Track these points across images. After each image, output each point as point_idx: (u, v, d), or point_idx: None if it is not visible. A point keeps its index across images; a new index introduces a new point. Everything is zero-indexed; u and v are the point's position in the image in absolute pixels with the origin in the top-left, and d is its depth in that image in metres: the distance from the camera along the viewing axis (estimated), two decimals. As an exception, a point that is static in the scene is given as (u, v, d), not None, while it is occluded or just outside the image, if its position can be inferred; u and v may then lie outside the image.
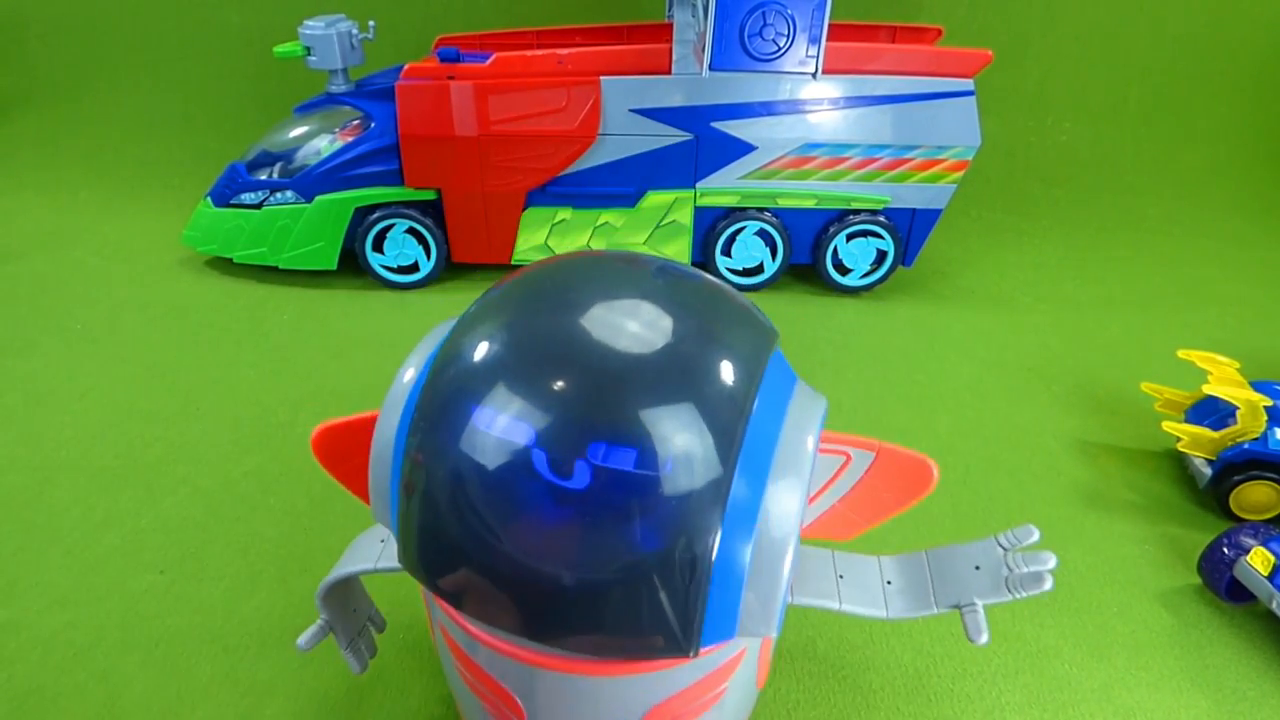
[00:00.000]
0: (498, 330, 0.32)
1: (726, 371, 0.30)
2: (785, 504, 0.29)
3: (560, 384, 0.29)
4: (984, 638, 0.34)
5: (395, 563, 0.35)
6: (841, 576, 0.37)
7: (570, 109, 0.87)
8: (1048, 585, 0.34)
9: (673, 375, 0.29)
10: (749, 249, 0.94)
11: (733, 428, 0.29)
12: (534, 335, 0.31)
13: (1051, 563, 0.35)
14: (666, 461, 0.28)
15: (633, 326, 0.30)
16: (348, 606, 0.42)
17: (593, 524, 0.28)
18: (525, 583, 0.29)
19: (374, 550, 0.39)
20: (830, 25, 0.78)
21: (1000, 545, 0.36)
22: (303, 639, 0.39)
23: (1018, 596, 0.34)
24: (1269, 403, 0.59)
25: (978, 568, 0.36)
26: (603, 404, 0.29)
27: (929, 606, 0.36)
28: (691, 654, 0.29)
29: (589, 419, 0.28)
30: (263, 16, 1.34)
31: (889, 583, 0.37)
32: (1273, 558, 0.50)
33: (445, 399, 0.30)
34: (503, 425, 0.29)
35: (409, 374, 0.33)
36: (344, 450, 0.37)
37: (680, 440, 0.28)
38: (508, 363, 0.30)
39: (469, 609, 0.31)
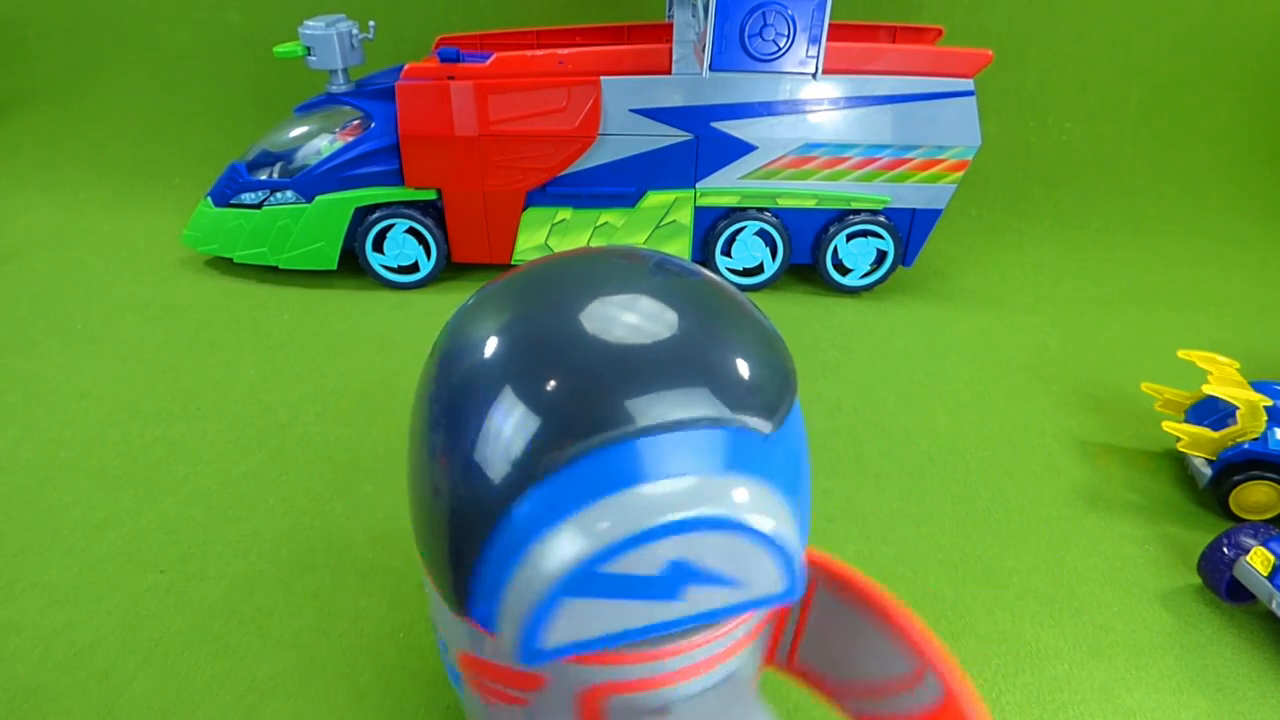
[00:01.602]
0: (497, 333, 0.31)
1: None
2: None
3: (561, 382, 0.28)
4: None
5: None
6: None
7: (570, 109, 0.87)
8: None
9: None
10: (749, 249, 0.94)
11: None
12: (532, 337, 0.30)
13: None
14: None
15: (628, 328, 0.30)
16: None
17: None
18: None
19: None
20: (830, 25, 0.78)
21: None
22: None
23: None
24: (1269, 403, 0.59)
25: None
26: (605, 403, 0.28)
27: None
28: None
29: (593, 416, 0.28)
30: (263, 16, 1.33)
31: None
32: (1273, 558, 0.50)
33: (450, 396, 0.30)
34: (502, 422, 0.28)
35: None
36: None
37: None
38: (511, 365, 0.29)
39: None
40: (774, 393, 0.30)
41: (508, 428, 0.28)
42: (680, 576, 0.27)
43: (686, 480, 0.27)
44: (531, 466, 0.27)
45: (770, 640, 0.37)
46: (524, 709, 0.34)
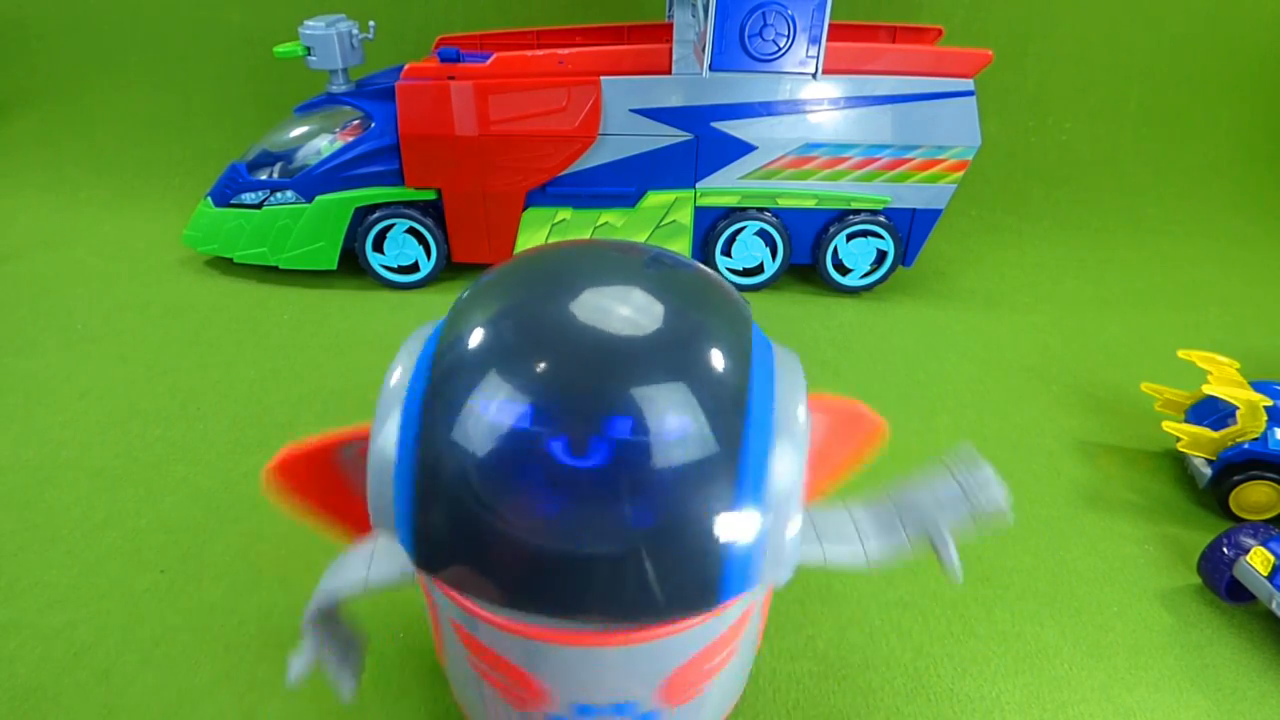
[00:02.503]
0: (505, 314, 0.33)
1: (726, 346, 0.33)
2: (789, 463, 0.32)
3: (571, 364, 0.31)
4: (958, 569, 0.36)
5: (389, 575, 0.34)
6: (820, 530, 0.38)
7: (570, 109, 0.87)
8: (1008, 516, 0.35)
9: (680, 352, 0.32)
10: (749, 249, 0.94)
11: (740, 395, 0.32)
12: (539, 318, 0.32)
13: (1002, 492, 0.36)
14: (679, 430, 0.29)
15: (630, 310, 0.32)
16: (334, 626, 0.39)
17: (614, 497, 0.29)
18: (555, 561, 0.30)
19: (360, 568, 0.35)
20: (830, 25, 0.78)
21: (956, 480, 0.38)
22: (293, 672, 0.36)
23: (980, 523, 0.36)
24: (1269, 403, 0.59)
25: (940, 502, 0.37)
26: (615, 381, 0.30)
27: (900, 539, 0.37)
28: (716, 608, 0.31)
29: (605, 396, 0.30)
30: (263, 16, 1.33)
31: (861, 530, 0.38)
32: (1273, 558, 0.50)
33: (458, 385, 0.31)
34: (516, 408, 0.30)
35: (396, 376, 0.34)
36: (309, 476, 0.36)
37: (692, 408, 0.30)
38: (519, 346, 0.31)
39: (496, 595, 0.31)
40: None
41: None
42: None
43: None
44: (730, 450, 0.30)
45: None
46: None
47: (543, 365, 0.31)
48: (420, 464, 0.31)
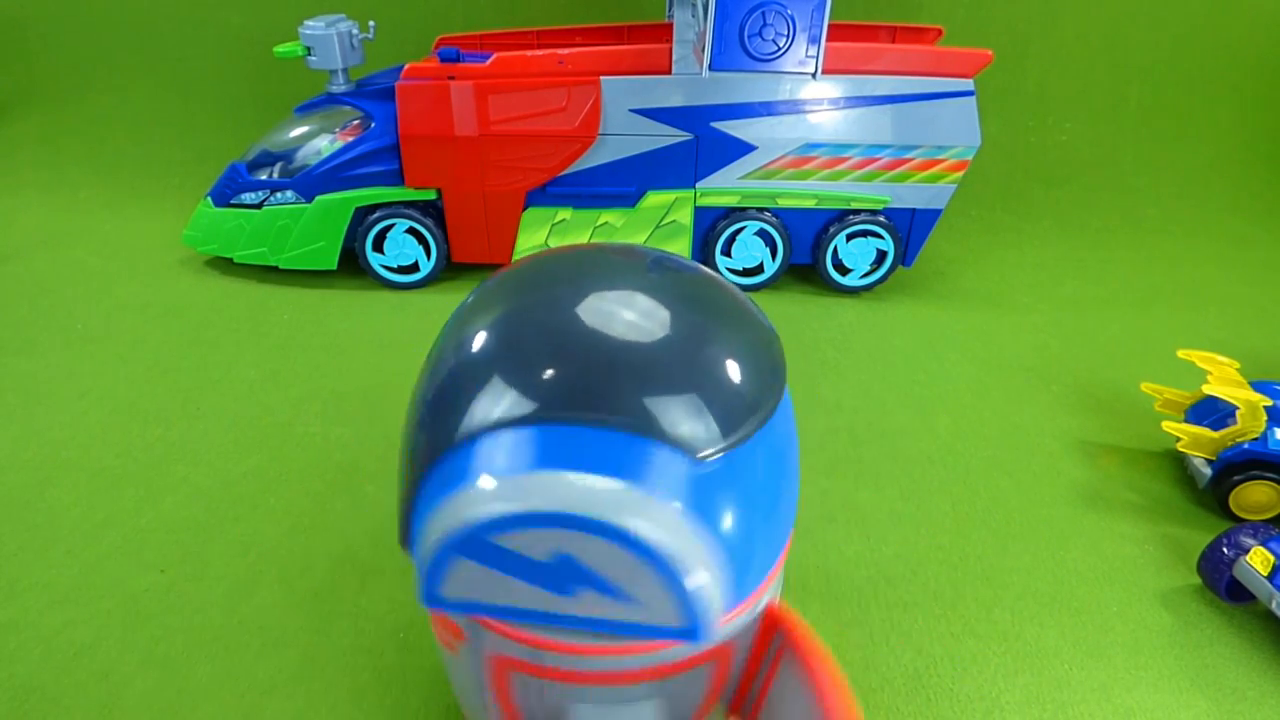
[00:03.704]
0: (519, 319, 0.32)
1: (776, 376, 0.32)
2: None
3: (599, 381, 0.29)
4: None
5: None
6: None
7: (570, 109, 0.87)
8: None
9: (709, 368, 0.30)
10: (749, 249, 0.94)
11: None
12: (549, 336, 0.31)
13: None
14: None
15: (647, 322, 0.31)
16: None
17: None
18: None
19: None
20: (830, 25, 0.78)
21: None
22: None
23: None
24: (1269, 403, 0.59)
25: None
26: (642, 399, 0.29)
27: None
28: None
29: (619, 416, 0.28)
30: (263, 16, 1.33)
31: None
32: (1273, 558, 0.50)
33: (455, 390, 0.31)
34: (522, 427, 0.28)
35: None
36: None
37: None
38: (531, 357, 0.30)
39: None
40: (720, 424, 0.29)
41: (469, 385, 0.30)
42: (568, 572, 0.28)
43: (594, 480, 0.27)
44: (471, 423, 0.29)
45: (738, 691, 0.36)
46: (453, 656, 0.35)
47: (498, 356, 0.30)
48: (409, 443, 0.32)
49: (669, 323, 0.31)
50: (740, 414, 0.30)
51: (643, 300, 0.31)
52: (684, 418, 0.28)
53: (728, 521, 0.29)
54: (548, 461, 0.27)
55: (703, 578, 0.28)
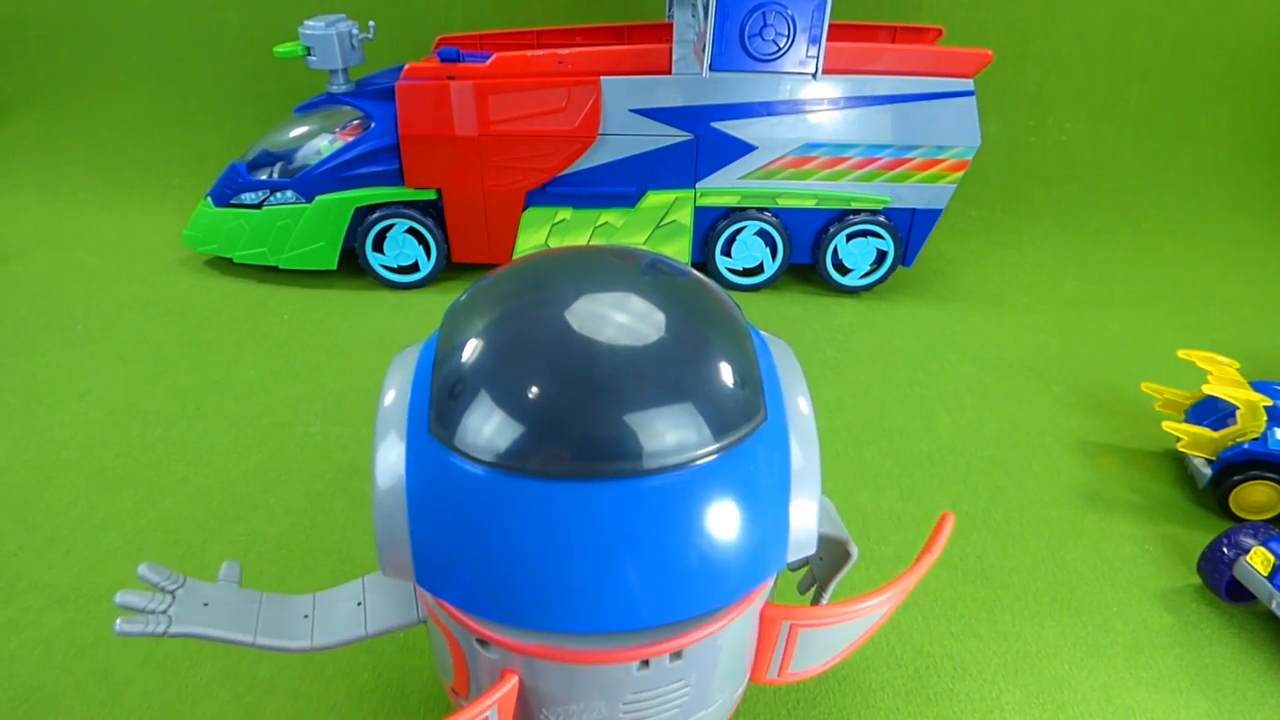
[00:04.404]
0: (507, 329, 0.33)
1: (738, 350, 0.34)
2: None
3: (584, 384, 0.30)
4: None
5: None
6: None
7: (570, 109, 0.87)
8: None
9: (693, 366, 0.32)
10: (749, 249, 0.94)
11: (757, 399, 0.33)
12: (545, 333, 0.32)
13: None
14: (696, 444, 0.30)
15: (634, 320, 0.32)
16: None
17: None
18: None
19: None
20: (830, 25, 0.78)
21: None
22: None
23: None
24: (1269, 403, 0.59)
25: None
26: (637, 397, 0.30)
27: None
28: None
29: (627, 412, 0.30)
30: (263, 16, 1.33)
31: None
32: (1273, 558, 0.50)
33: (466, 401, 0.31)
34: (530, 427, 0.30)
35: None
36: None
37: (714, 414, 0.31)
38: (527, 362, 0.31)
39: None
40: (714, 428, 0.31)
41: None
42: None
43: None
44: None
45: (754, 663, 0.37)
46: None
47: (553, 385, 0.30)
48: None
49: (661, 346, 0.32)
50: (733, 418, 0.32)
51: (631, 321, 0.32)
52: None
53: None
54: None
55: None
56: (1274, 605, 0.49)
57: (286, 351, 0.81)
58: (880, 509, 0.62)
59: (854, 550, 0.41)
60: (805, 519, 0.33)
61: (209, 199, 0.94)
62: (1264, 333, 0.90)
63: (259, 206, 0.92)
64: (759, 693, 0.47)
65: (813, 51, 0.79)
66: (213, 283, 0.95)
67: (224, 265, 0.98)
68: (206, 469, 0.64)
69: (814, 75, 0.81)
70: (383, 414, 0.33)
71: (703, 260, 0.96)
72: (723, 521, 0.30)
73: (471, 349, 0.32)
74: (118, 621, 0.33)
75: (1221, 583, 0.52)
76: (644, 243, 0.94)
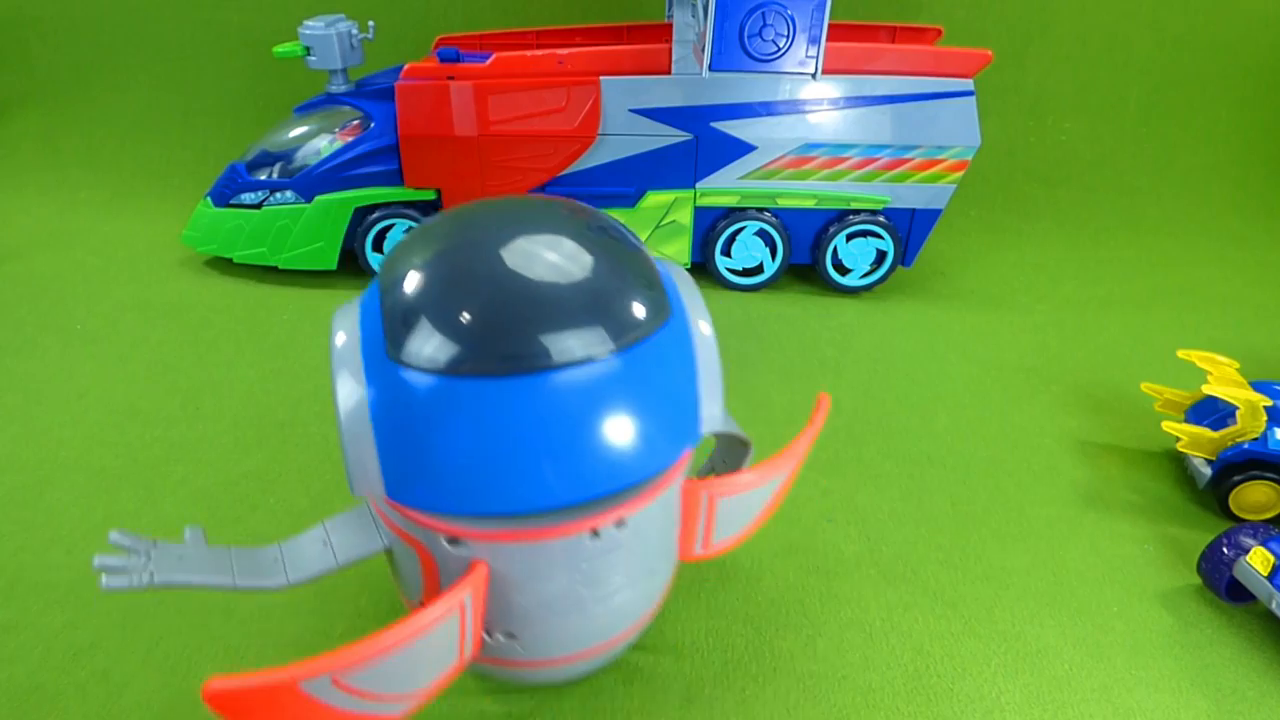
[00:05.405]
0: (446, 262, 0.38)
1: (647, 267, 0.40)
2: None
3: (516, 300, 0.36)
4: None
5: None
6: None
7: (570, 109, 0.87)
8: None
9: (608, 280, 0.38)
10: (749, 249, 0.94)
11: (664, 302, 0.39)
12: (480, 262, 0.37)
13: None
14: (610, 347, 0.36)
15: (560, 254, 0.38)
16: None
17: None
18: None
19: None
20: (830, 25, 0.78)
21: None
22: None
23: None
24: (1269, 403, 0.59)
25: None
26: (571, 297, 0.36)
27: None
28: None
29: (560, 318, 0.35)
30: (263, 16, 1.33)
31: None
32: (1273, 558, 0.50)
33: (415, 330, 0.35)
34: (472, 341, 0.35)
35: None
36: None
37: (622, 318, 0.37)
38: (467, 285, 0.36)
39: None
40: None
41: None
42: None
43: None
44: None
45: (681, 537, 0.43)
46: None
47: (489, 302, 0.35)
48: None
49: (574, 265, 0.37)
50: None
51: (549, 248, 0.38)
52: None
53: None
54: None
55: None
56: (1274, 605, 0.49)
57: (286, 351, 0.81)
58: (880, 509, 0.62)
59: (749, 442, 0.47)
60: (712, 406, 0.40)
61: (209, 199, 0.94)
62: (1264, 333, 0.90)
63: (259, 206, 0.92)
64: (758, 692, 0.47)
65: (812, 51, 0.79)
66: (213, 283, 0.95)
67: (224, 265, 0.98)
68: (206, 469, 0.64)
69: (814, 75, 0.81)
70: (337, 353, 0.37)
71: (702, 260, 0.96)
72: (641, 403, 0.36)
73: (414, 282, 0.37)
74: (103, 578, 0.36)
75: (1221, 583, 0.52)
76: (643, 243, 0.94)
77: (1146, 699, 0.47)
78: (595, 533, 0.37)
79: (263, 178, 0.92)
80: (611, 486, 0.36)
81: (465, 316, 0.35)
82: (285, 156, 0.92)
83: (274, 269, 0.95)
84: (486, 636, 0.40)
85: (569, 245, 0.38)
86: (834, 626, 0.51)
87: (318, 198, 0.90)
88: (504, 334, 0.35)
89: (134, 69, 1.40)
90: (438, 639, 0.35)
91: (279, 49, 0.90)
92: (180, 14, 1.37)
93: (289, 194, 0.91)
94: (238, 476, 0.63)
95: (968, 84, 0.86)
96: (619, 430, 0.36)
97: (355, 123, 0.91)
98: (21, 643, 0.49)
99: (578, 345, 0.35)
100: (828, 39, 0.79)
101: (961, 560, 0.57)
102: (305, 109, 0.94)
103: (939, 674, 0.48)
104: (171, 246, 1.02)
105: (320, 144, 0.91)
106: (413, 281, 0.37)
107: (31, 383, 0.75)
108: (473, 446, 0.34)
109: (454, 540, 0.36)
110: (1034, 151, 1.31)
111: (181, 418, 0.70)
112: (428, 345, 0.35)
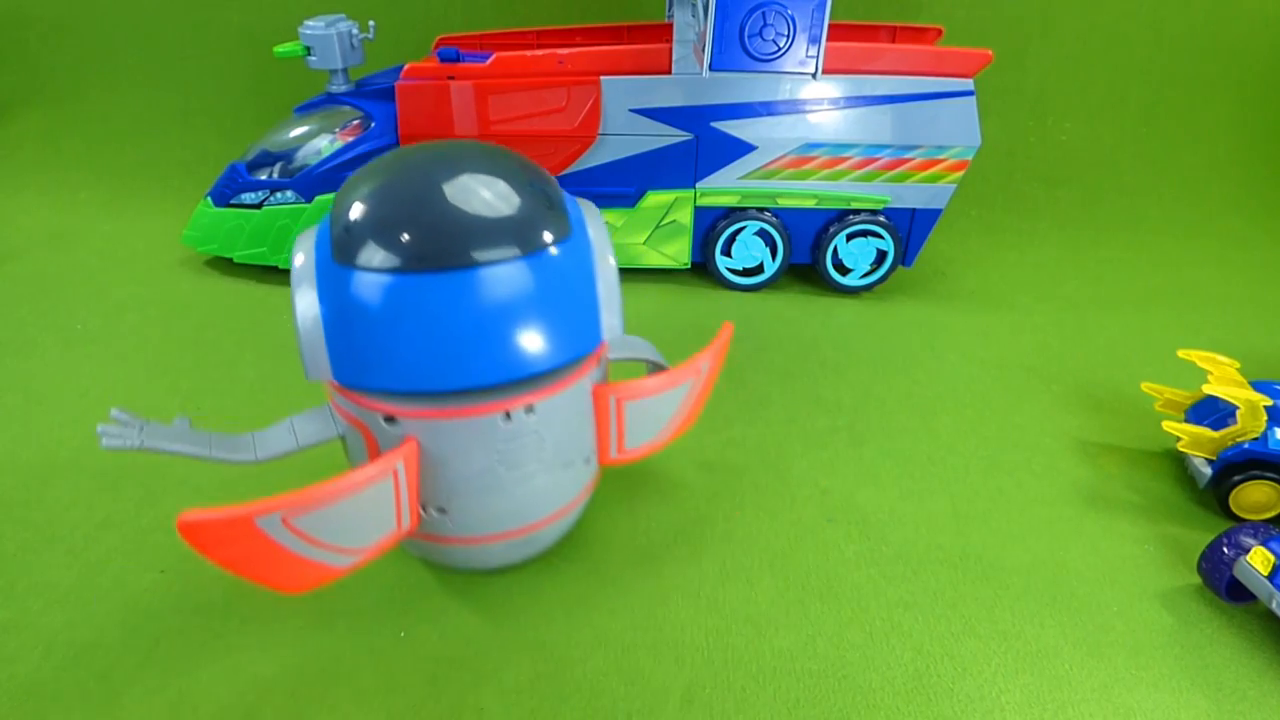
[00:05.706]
0: (385, 191, 0.44)
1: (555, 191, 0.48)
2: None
3: (445, 216, 0.43)
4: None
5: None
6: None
7: (570, 109, 0.87)
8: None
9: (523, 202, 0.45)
10: (749, 249, 0.94)
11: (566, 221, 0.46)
12: (411, 190, 0.44)
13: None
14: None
15: (478, 173, 0.45)
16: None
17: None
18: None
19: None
20: (830, 25, 0.78)
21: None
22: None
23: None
24: (1269, 402, 0.59)
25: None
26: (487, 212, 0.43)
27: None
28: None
29: (481, 229, 0.42)
30: (263, 16, 1.33)
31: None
32: (1273, 557, 0.50)
33: (357, 247, 0.43)
34: (404, 252, 0.42)
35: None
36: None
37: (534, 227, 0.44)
38: (401, 208, 0.43)
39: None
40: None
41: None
42: None
43: None
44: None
45: (598, 439, 0.50)
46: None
47: (416, 212, 0.42)
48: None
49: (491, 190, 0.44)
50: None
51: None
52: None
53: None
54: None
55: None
56: (1274, 605, 0.49)
57: (286, 351, 0.81)
58: (880, 509, 0.62)
59: (666, 366, 0.53)
60: (611, 318, 0.47)
61: (209, 199, 0.94)
62: (1264, 333, 0.90)
63: (259, 206, 0.92)
64: (758, 692, 0.47)
65: (812, 51, 0.79)
66: (213, 283, 0.95)
67: (224, 265, 0.98)
68: (206, 469, 0.64)
69: (814, 75, 0.81)
70: (296, 271, 0.45)
71: (703, 260, 0.96)
72: (543, 303, 0.43)
73: (357, 200, 0.44)
74: (102, 438, 0.43)
75: (1222, 583, 0.52)
76: (644, 242, 0.94)
77: (1146, 698, 0.47)
78: (508, 415, 0.44)
79: (263, 178, 0.92)
80: (520, 373, 0.43)
81: (396, 225, 0.42)
82: (286, 156, 0.92)
83: (274, 269, 0.95)
84: (423, 512, 0.47)
85: (487, 176, 0.44)
86: (834, 626, 0.51)
87: (318, 197, 0.90)
88: (428, 238, 0.42)
89: (134, 69, 1.40)
90: (376, 498, 0.42)
91: (279, 49, 0.90)
92: (180, 14, 1.37)
93: (289, 194, 0.91)
94: (238, 476, 0.63)
95: (968, 84, 0.86)
96: (525, 323, 0.43)
97: (355, 123, 0.91)
98: (21, 643, 0.49)
99: (489, 249, 0.42)
100: (828, 39, 0.79)
101: (961, 560, 0.57)
102: (305, 109, 0.94)
103: (939, 674, 0.48)
104: (171, 246, 1.02)
105: (321, 144, 0.91)
106: (355, 200, 0.44)
107: (31, 383, 0.75)
108: (402, 332, 0.41)
109: (390, 419, 0.44)
110: (1034, 151, 1.31)
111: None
112: (365, 249, 0.42)
